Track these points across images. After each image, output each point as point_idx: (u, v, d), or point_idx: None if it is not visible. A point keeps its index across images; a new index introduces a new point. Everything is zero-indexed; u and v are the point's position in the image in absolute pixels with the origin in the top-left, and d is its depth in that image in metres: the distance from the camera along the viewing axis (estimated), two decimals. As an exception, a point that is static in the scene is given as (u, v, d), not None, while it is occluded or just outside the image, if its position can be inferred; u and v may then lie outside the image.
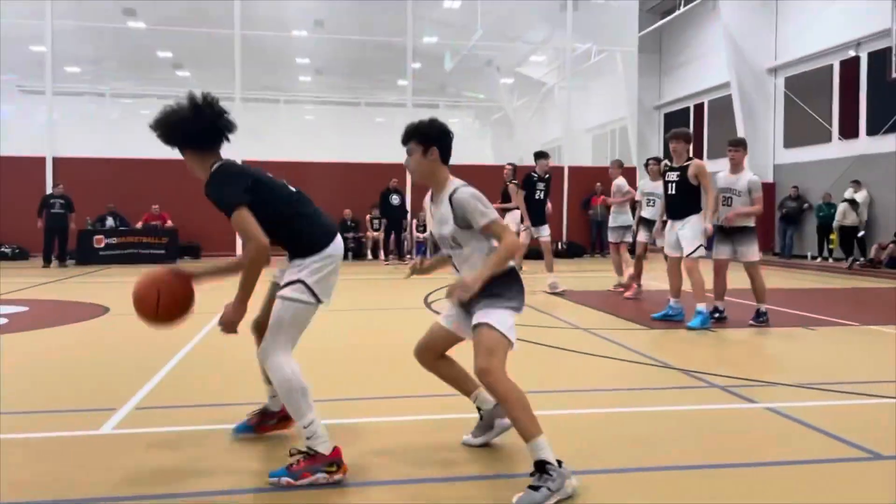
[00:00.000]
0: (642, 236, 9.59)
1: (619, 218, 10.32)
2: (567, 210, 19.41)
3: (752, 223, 7.50)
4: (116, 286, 11.67)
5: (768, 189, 19.17)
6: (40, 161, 17.34)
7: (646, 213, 9.51)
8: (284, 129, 23.90)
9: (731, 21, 19.44)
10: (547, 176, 10.37)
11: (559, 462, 2.92)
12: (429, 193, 3.46)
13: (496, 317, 3.09)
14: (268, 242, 3.17)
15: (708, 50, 21.98)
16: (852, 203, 15.39)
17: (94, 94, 23.26)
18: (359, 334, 7.00)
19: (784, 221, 17.90)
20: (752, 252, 7.43)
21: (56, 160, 17.60)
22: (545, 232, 10.35)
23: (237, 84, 18.32)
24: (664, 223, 7.71)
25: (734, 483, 3.15)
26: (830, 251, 16.44)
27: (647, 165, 9.78)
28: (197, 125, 3.35)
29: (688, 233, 7.20)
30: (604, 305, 8.77)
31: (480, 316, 3.11)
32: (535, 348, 6.17)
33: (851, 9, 16.39)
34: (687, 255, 7.21)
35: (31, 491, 3.00)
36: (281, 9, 20.07)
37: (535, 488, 2.84)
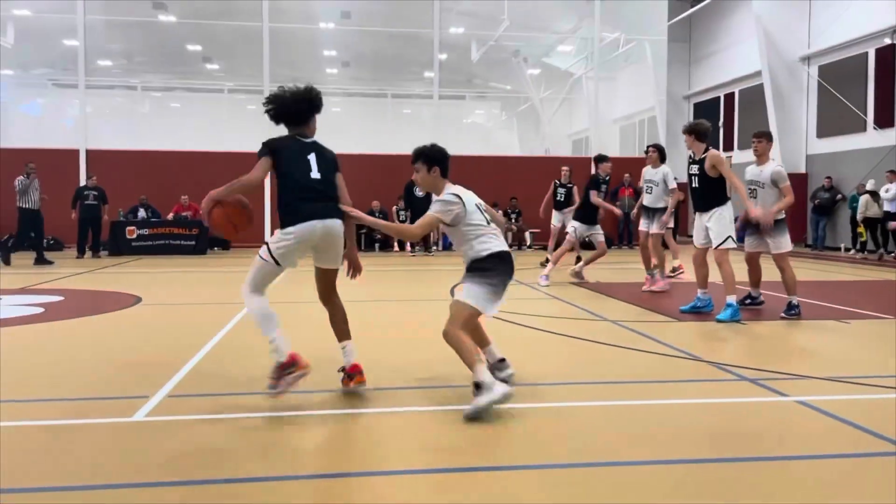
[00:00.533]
0: (643, 225, 9.54)
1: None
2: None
3: (782, 215, 7.41)
4: (148, 276, 11.88)
5: (800, 180, 18.84)
6: (74, 154, 17.68)
7: (646, 200, 9.46)
8: (311, 121, 24.00)
9: (763, 9, 19.08)
10: (607, 178, 10.85)
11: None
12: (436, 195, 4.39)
13: (466, 292, 4.10)
14: (257, 182, 4.22)
15: (739, 38, 21.60)
16: (873, 195, 15.10)
17: (126, 88, 23.65)
18: (386, 324, 7.04)
19: (816, 213, 17.59)
20: (784, 243, 7.37)
21: (89, 153, 17.93)
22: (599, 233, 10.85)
23: (265, 77, 18.47)
24: (641, 211, 8.84)
25: (765, 476, 3.12)
26: (864, 243, 16.11)
27: (647, 152, 9.72)
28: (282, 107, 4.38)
29: (715, 225, 7.13)
30: (632, 297, 8.70)
31: (458, 291, 4.15)
32: (563, 340, 6.15)
33: (888, -5, 15.99)
34: (716, 247, 7.13)
35: (64, 476, 3.08)
36: (308, 1, 20.18)
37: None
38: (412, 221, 17.35)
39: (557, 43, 25.15)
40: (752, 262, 7.63)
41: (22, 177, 13.33)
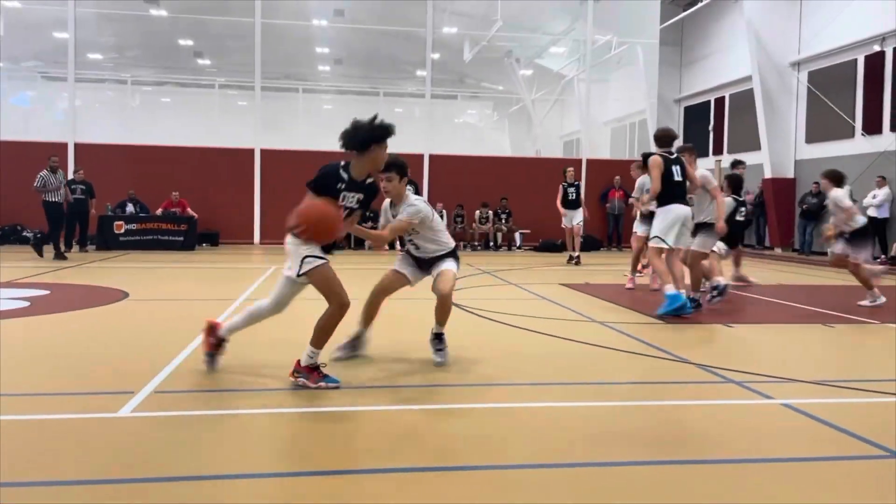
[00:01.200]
0: (642, 230, 9.60)
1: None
2: (585, 203, 19.34)
3: (707, 220, 7.88)
4: (136, 271, 11.80)
5: (789, 184, 18.98)
6: (62, 147, 17.54)
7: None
8: (302, 118, 23.98)
9: (754, 14, 19.18)
10: None
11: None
12: (387, 201, 5.13)
13: (454, 268, 5.15)
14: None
15: (730, 43, 21.71)
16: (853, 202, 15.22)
17: (116, 82, 23.46)
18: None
19: (804, 218, 17.71)
20: (703, 244, 7.82)
21: (78, 146, 17.81)
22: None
23: (257, 73, 18.42)
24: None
25: (751, 479, 3.14)
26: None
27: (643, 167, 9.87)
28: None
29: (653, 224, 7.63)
30: (620, 299, 8.73)
31: (445, 269, 5.08)
32: (551, 340, 6.16)
33: (876, 3, 16.12)
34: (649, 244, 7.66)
35: (48, 471, 3.06)
36: (302, -1, 20.15)
37: (440, 349, 5.09)
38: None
39: (550, 44, 25.19)
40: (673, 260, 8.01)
41: (45, 171, 13.35)
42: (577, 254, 13.81)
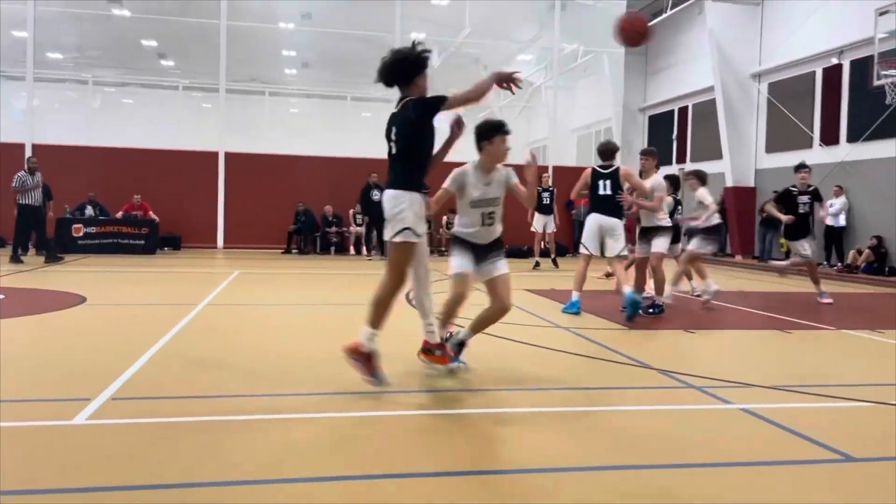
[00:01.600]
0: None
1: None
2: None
3: (664, 222, 8.12)
4: (94, 275, 11.55)
5: (749, 193, 19.38)
6: (19, 148, 17.09)
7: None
8: (269, 121, 23.76)
9: (717, 26, 19.58)
10: (811, 188, 10.18)
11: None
12: (467, 166, 5.05)
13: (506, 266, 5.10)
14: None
15: (693, 54, 22.12)
16: None
17: (77, 82, 22.97)
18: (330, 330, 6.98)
19: (764, 226, 18.07)
20: (658, 245, 8.01)
21: (36, 147, 17.37)
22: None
23: (221, 75, 18.20)
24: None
25: (708, 483, 3.18)
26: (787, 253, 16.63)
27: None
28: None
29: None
30: (585, 305, 8.79)
31: (502, 265, 5.04)
32: (513, 345, 6.19)
33: (835, 17, 16.58)
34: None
35: (1, 480, 2.96)
36: (268, 1, 19.95)
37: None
38: (370, 227, 17.32)
39: (518, 52, 25.38)
40: (640, 268, 8.35)
41: (22, 172, 12.99)
42: (553, 256, 14.48)
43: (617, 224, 7.82)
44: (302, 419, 3.95)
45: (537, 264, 14.12)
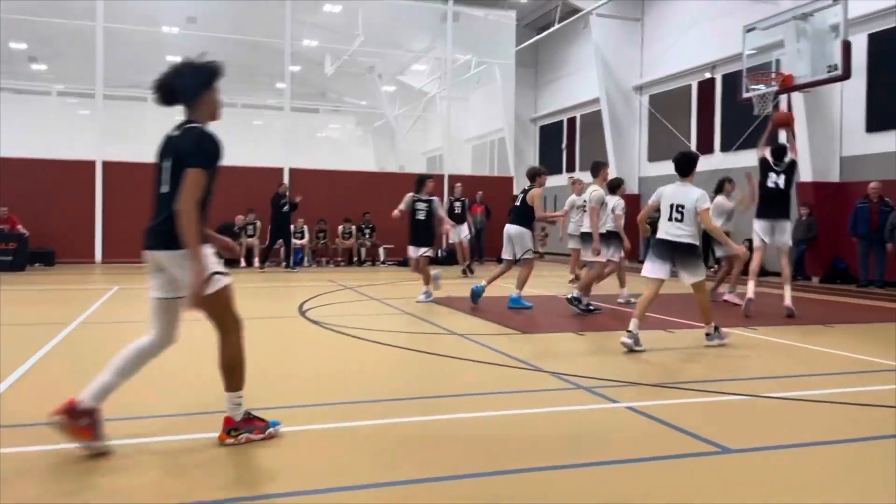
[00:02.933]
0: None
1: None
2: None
3: (608, 227, 9.60)
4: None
5: (633, 200, 20.24)
6: None
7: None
8: (151, 128, 22.65)
9: (601, 40, 20.43)
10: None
11: None
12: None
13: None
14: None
15: (580, 66, 22.98)
16: None
17: (-66, 85, 21.09)
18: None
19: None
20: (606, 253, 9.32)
21: None
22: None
23: (98, 80, 17.18)
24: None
25: (596, 480, 3.22)
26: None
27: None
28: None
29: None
30: (483, 312, 8.86)
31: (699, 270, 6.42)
32: (412, 355, 6.12)
33: (708, 34, 17.67)
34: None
35: None
36: (151, 3, 19.04)
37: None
38: (274, 235, 16.72)
39: (412, 61, 25.51)
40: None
41: None
42: (468, 263, 14.75)
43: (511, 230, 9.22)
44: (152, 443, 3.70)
45: (466, 270, 14.57)
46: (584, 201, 9.79)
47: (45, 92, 22.02)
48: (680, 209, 6.76)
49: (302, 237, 17.40)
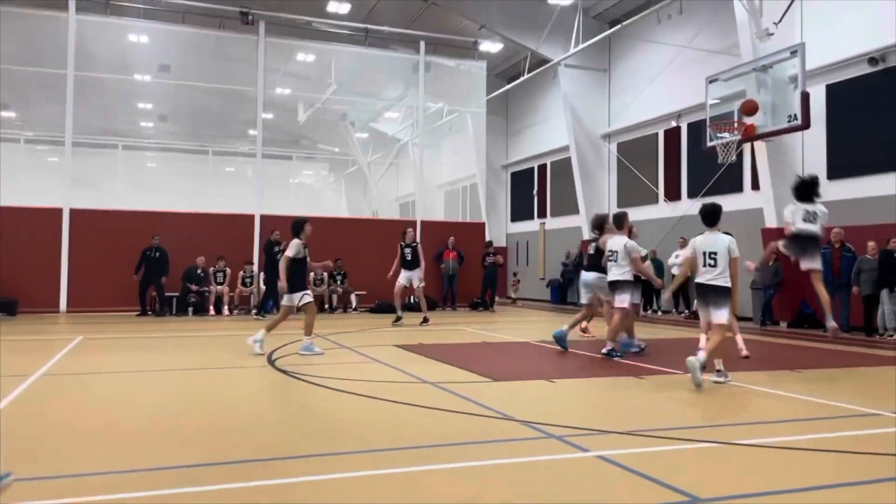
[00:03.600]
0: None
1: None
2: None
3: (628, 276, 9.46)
4: None
5: (606, 245, 20.51)
6: None
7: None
8: (122, 176, 22.53)
9: (570, 90, 20.92)
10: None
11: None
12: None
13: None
14: None
15: (550, 115, 23.47)
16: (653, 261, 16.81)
17: None
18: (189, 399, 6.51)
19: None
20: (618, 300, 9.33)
21: None
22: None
23: (68, 127, 17.05)
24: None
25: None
26: (658, 304, 17.71)
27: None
28: None
29: None
30: (455, 359, 8.80)
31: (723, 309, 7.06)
32: (380, 404, 6.02)
33: (673, 84, 18.20)
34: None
35: None
36: (123, 51, 19.07)
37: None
38: (269, 276, 16.31)
39: (384, 109, 25.79)
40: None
41: None
42: (425, 314, 13.93)
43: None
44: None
45: (398, 319, 13.95)
46: (611, 251, 9.46)
47: (13, 139, 21.80)
48: (713, 256, 7.29)
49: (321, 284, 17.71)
